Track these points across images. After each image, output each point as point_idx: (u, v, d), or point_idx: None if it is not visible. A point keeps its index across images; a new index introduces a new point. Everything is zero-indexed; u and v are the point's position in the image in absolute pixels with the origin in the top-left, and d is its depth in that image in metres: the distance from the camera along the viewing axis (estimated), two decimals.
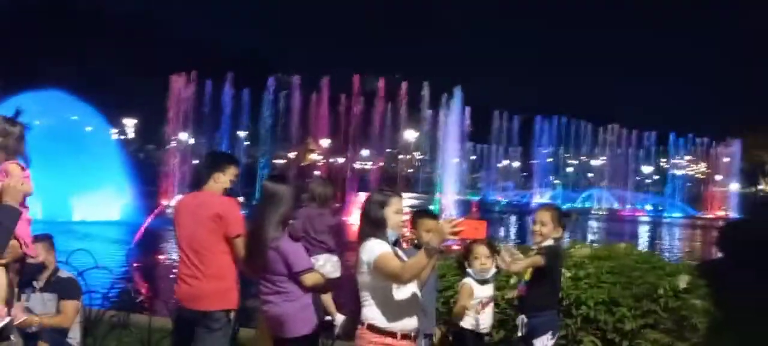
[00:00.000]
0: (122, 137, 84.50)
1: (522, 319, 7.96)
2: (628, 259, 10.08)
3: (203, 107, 72.53)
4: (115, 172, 29.71)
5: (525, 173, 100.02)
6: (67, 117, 29.85)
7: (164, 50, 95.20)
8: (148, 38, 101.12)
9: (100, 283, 10.97)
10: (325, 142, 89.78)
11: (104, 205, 27.36)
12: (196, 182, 7.88)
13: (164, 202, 32.31)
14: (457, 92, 62.77)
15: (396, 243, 6.46)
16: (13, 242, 5.12)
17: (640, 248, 13.66)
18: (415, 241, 7.86)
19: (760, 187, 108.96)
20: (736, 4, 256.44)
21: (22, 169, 5.34)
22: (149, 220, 19.70)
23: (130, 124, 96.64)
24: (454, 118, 63.67)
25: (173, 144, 60.94)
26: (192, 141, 77.22)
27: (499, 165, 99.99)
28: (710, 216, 60.20)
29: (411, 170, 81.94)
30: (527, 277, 7.99)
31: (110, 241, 24.03)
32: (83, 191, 27.58)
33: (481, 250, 7.89)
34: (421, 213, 7.96)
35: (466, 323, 7.91)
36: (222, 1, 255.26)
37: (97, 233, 25.29)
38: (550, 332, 7.85)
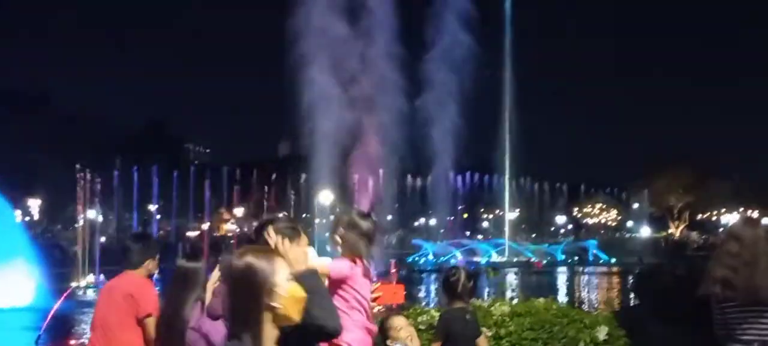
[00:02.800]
0: (27, 219, 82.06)
1: None
2: (548, 314, 10.17)
3: (112, 183, 71.08)
4: (21, 255, 28.76)
5: (442, 230, 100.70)
6: None
7: (67, 127, 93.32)
8: (49, 115, 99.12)
9: None
10: (238, 211, 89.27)
11: (10, 291, 26.44)
12: (125, 262, 7.76)
13: (74, 284, 31.39)
14: (369, 156, 63.09)
15: None
16: None
17: (558, 300, 13.83)
18: None
19: (669, 231, 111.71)
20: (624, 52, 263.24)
21: None
22: (58, 304, 19.07)
23: (34, 205, 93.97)
24: (364, 181, 63.97)
25: (81, 223, 59.49)
26: (101, 219, 75.55)
27: (416, 223, 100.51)
28: (625, 262, 61.21)
29: (327, 234, 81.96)
30: None
31: (18, 328, 23.22)
32: None
33: (399, 321, 7.42)
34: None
35: None
36: (122, 76, 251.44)
37: (3, 320, 24.46)
38: None
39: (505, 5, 78.80)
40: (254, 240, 6.92)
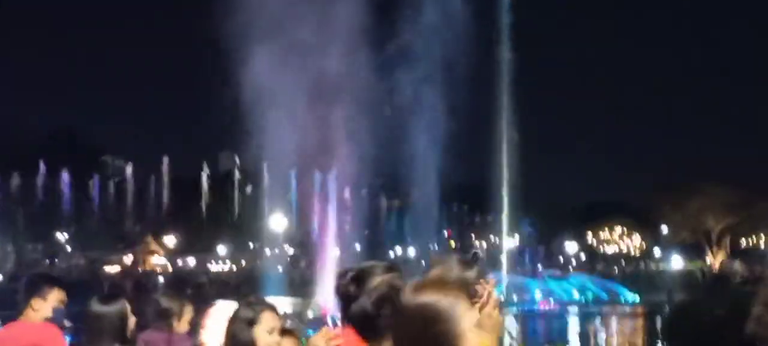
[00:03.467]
0: None
1: None
2: None
3: (6, 206, 70.45)
4: None
5: (423, 261, 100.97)
6: None
7: None
8: None
9: None
10: (169, 240, 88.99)
11: None
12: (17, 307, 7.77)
13: None
14: (332, 173, 63.19)
15: None
16: None
17: None
18: None
19: (707, 261, 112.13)
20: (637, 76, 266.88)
21: None
22: None
23: None
24: (331, 203, 63.80)
25: None
26: None
27: (393, 254, 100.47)
28: (652, 300, 61.50)
29: (280, 268, 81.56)
30: None
31: None
32: None
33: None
34: (257, 306, 7.41)
35: None
36: (21, 77, 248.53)
37: None
38: None
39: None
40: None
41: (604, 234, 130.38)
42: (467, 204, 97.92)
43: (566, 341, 37.29)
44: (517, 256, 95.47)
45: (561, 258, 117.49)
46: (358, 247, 75.06)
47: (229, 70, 60.84)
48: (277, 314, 6.45)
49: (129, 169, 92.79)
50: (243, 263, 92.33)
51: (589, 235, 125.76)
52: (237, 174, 76.17)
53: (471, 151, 76.36)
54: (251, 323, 6.35)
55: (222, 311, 6.91)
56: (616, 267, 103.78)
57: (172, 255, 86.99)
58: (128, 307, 7.15)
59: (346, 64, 62.80)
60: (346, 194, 67.32)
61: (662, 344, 23.83)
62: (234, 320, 6.45)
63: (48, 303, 7.49)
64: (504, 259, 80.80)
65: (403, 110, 69.72)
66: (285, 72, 60.62)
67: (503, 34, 77.20)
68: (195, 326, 8.10)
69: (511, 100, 76.87)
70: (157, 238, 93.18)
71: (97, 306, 7.12)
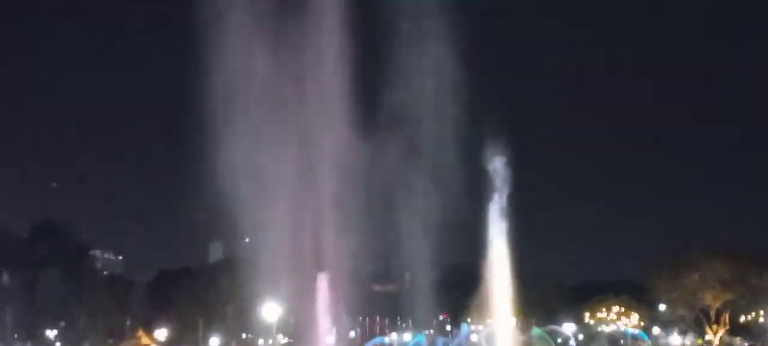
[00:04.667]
0: None
1: None
2: None
3: None
4: None
5: None
6: None
7: None
8: None
9: None
10: (160, 334, 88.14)
11: None
12: None
13: None
14: (325, 262, 62.86)
15: None
16: None
17: None
18: None
19: (707, 338, 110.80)
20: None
21: None
22: None
23: None
24: (324, 292, 63.41)
25: None
26: None
27: (387, 339, 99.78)
28: None
29: None
30: None
31: None
32: None
33: None
34: None
35: None
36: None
37: None
38: None
39: None
40: None
41: (602, 314, 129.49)
42: (462, 286, 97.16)
43: None
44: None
45: (559, 340, 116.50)
46: (352, 334, 74.47)
47: (218, 163, 60.63)
48: None
49: (118, 263, 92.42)
50: None
51: (587, 315, 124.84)
52: (226, 265, 75.61)
53: (465, 233, 75.67)
54: None
55: None
56: None
57: None
58: None
59: (336, 156, 62.75)
60: (339, 281, 66.83)
61: None
62: None
63: None
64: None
65: (394, 197, 69.53)
66: (275, 165, 60.56)
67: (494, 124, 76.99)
68: None
69: (504, 183, 76.51)
70: (148, 332, 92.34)
71: None
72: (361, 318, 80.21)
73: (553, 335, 73.73)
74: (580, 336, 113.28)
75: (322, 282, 63.92)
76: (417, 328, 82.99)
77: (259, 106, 61.38)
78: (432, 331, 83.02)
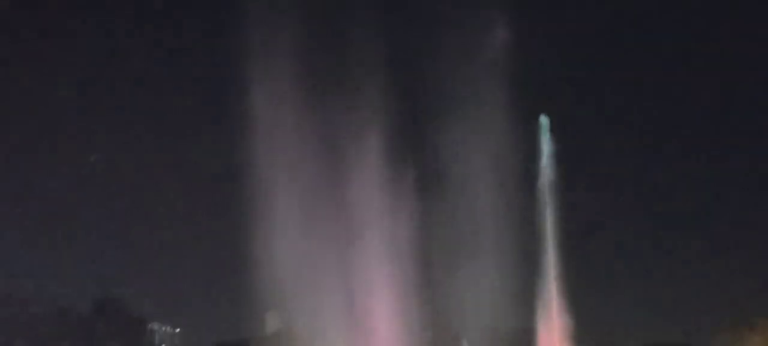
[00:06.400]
0: None
1: None
2: None
3: None
4: None
5: None
6: None
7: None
8: None
9: None
10: None
11: None
12: None
13: None
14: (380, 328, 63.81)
15: None
16: None
17: None
18: None
19: None
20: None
21: None
22: None
23: None
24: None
25: None
26: None
27: None
28: None
29: None
30: None
31: None
32: None
33: None
34: None
35: None
36: (62, 251, 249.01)
37: None
38: None
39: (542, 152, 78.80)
40: None
41: None
42: None
43: None
44: None
45: None
46: None
47: (271, 236, 61.65)
48: None
49: (176, 335, 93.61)
50: None
51: None
52: (284, 335, 76.63)
53: (521, 299, 75.76)
54: None
55: None
56: None
57: None
58: None
59: (378, 232, 63.70)
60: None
61: None
62: None
63: None
64: None
65: (449, 266, 69.93)
66: (328, 240, 61.60)
67: (544, 174, 77.13)
68: None
69: (558, 241, 76.30)
70: None
71: None
72: None
73: None
74: None
75: None
76: None
77: (310, 183, 62.79)
78: None
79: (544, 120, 78.63)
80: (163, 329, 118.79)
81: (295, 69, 65.75)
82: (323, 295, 64.22)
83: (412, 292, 65.96)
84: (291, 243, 63.43)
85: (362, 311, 64.57)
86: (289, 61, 65.32)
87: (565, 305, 72.86)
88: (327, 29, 68.58)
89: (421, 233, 68.38)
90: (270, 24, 65.82)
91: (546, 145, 77.81)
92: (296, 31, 65.76)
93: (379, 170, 66.87)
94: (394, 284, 63.60)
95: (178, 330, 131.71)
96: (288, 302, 66.55)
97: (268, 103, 66.09)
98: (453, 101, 73.37)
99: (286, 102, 66.61)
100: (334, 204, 65.73)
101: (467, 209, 70.92)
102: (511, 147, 73.52)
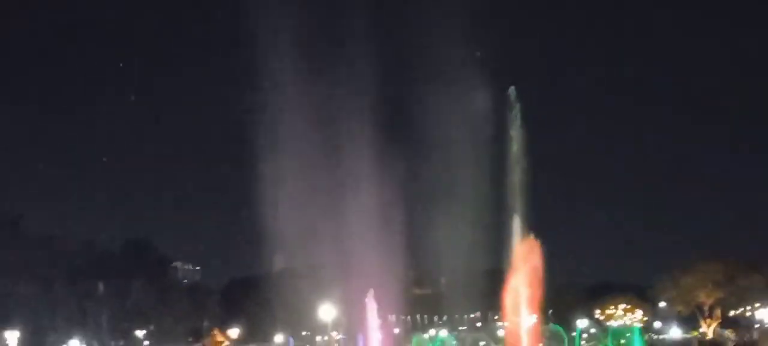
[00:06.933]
0: None
1: None
2: None
3: (92, 308, 69.36)
4: None
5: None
6: None
7: (40, 251, 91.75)
8: (20, 240, 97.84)
9: None
10: (233, 332, 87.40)
11: None
12: None
13: None
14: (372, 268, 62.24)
15: None
16: None
17: None
18: None
19: (701, 330, 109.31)
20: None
21: None
22: None
23: (12, 337, 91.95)
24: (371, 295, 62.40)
25: None
26: None
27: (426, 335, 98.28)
28: None
29: None
30: None
31: None
32: None
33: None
34: None
35: None
36: (97, 196, 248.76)
37: None
38: None
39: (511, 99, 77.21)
40: None
41: (609, 311, 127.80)
42: (491, 288, 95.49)
43: None
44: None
45: (573, 334, 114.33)
46: (396, 331, 73.25)
47: (278, 190, 60.62)
48: None
49: (196, 273, 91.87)
50: None
51: (597, 312, 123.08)
52: (288, 273, 74.84)
53: (493, 242, 73.85)
54: None
55: None
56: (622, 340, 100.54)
57: (236, 345, 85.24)
58: None
59: (367, 186, 62.60)
60: (385, 286, 65.73)
61: None
62: None
63: None
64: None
65: (429, 213, 68.71)
66: (332, 194, 60.45)
67: (513, 129, 75.22)
68: None
69: (524, 191, 74.15)
70: (223, 331, 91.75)
71: None
72: (403, 317, 78.91)
73: (567, 329, 72.16)
74: (592, 330, 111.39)
75: (371, 286, 62.90)
76: (452, 325, 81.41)
77: (311, 148, 62.05)
78: (465, 327, 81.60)
79: (512, 91, 76.66)
80: (185, 266, 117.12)
81: (297, 52, 66.40)
82: (321, 239, 63.27)
83: (396, 237, 64.65)
84: (294, 197, 62.97)
85: (353, 254, 63.39)
86: (291, 45, 65.88)
87: (530, 249, 71.22)
88: (323, 19, 68.87)
89: (404, 187, 67.58)
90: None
91: (514, 113, 76.00)
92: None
93: (369, 136, 66.14)
94: (381, 231, 62.25)
95: (198, 268, 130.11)
96: (292, 245, 66.44)
97: (278, 78, 65.80)
98: (433, 76, 73.64)
99: (291, 81, 66.45)
100: (331, 164, 64.99)
101: (445, 166, 70.29)
102: (483, 115, 73.08)
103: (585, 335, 68.73)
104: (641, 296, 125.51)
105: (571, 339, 70.46)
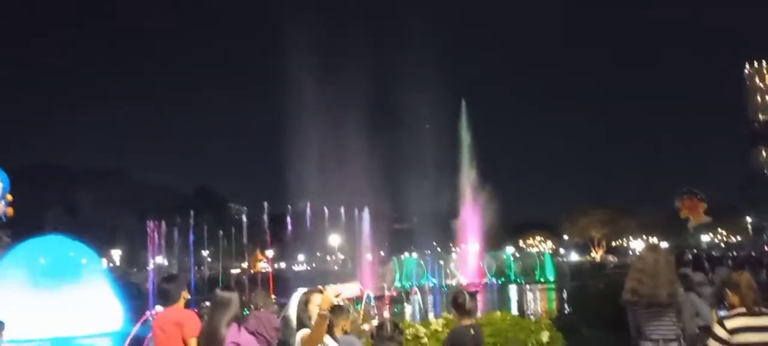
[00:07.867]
0: (111, 265, 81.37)
1: None
2: (504, 323, 10.08)
3: (174, 236, 70.75)
4: (107, 293, 28.61)
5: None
6: (66, 254, 28.81)
7: (138, 193, 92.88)
8: (124, 185, 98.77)
9: None
10: (269, 253, 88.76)
11: (99, 320, 26.24)
12: (169, 298, 7.65)
13: (147, 312, 31.13)
14: (365, 210, 63.44)
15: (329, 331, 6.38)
16: None
17: (511, 312, 13.67)
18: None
19: (592, 255, 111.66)
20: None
21: None
22: (135, 329, 18.80)
23: (116, 255, 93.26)
24: (364, 227, 63.80)
25: (151, 267, 59.08)
26: (166, 263, 75.24)
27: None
28: (560, 281, 60.68)
29: (336, 268, 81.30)
30: None
31: None
32: (81, 309, 26.32)
33: (315, 297, 6.53)
34: (309, 292, 6.75)
35: None
36: (178, 149, 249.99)
37: (96, 342, 24.46)
38: None
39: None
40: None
41: (529, 241, 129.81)
42: (449, 222, 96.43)
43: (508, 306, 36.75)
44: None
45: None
46: (381, 253, 74.68)
47: (304, 146, 61.94)
48: (320, 293, 6.28)
49: (244, 211, 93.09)
50: (313, 264, 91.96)
51: (521, 242, 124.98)
52: (308, 211, 76.21)
53: (448, 188, 75.22)
54: (306, 302, 6.47)
55: (297, 295, 6.87)
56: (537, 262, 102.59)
57: (271, 262, 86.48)
58: (237, 296, 7.07)
59: (360, 150, 63.66)
60: (374, 221, 67.08)
61: (567, 308, 23.43)
62: (299, 303, 6.58)
63: (187, 291, 7.76)
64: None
65: (405, 166, 70.09)
66: (332, 153, 61.51)
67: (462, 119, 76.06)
68: (283, 305, 8.04)
69: (471, 149, 74.88)
70: (263, 252, 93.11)
71: (220, 292, 7.04)
72: (386, 244, 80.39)
73: (499, 255, 73.69)
74: (517, 255, 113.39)
75: (365, 220, 64.31)
76: (420, 252, 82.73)
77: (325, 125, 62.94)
78: (429, 251, 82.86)
79: (463, 103, 77.42)
80: (236, 206, 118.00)
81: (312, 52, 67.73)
82: (332, 185, 64.79)
83: (381, 189, 65.86)
84: (315, 152, 64.80)
85: (355, 198, 64.52)
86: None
87: (475, 197, 72.81)
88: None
89: (387, 152, 68.97)
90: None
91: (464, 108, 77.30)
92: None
93: (361, 112, 67.82)
94: (370, 185, 63.50)
95: (245, 208, 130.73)
96: (311, 191, 67.71)
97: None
98: (407, 73, 75.16)
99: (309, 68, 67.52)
100: (337, 132, 66.22)
101: (416, 135, 72.16)
102: (442, 98, 75.21)
103: (513, 258, 70.06)
104: (552, 230, 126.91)
105: (502, 260, 72.09)
